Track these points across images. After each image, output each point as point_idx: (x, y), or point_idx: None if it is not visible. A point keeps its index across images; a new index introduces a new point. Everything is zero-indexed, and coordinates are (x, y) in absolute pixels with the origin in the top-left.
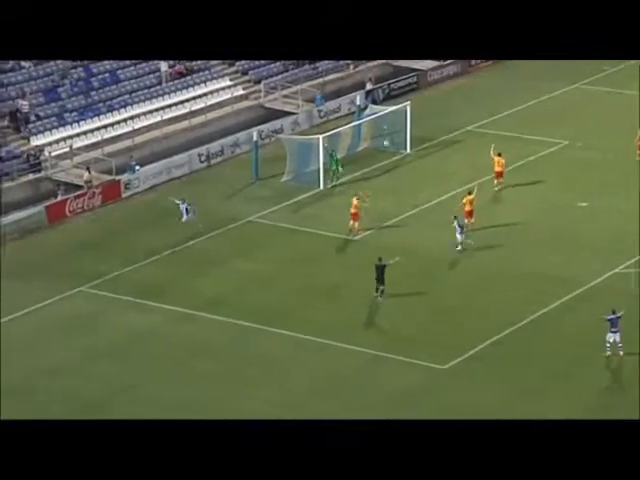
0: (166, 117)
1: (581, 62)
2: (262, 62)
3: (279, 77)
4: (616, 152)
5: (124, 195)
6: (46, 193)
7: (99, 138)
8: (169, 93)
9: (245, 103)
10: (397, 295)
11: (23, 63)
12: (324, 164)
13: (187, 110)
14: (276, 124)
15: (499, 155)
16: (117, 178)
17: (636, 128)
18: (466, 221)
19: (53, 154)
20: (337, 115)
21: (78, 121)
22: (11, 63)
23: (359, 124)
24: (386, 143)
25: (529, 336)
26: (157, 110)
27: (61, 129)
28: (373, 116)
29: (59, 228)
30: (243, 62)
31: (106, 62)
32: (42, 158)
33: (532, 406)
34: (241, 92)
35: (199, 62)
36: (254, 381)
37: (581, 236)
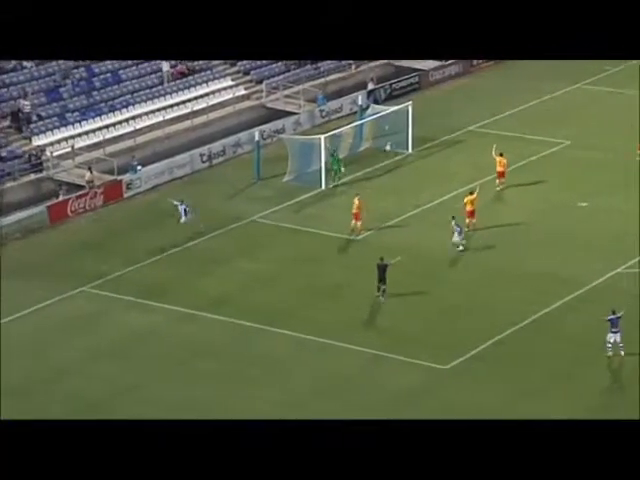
0: (168, 117)
1: (583, 62)
2: (264, 62)
3: (281, 77)
4: (618, 152)
5: (126, 195)
6: (48, 193)
7: (101, 138)
8: (171, 93)
9: (247, 103)
10: (399, 295)
11: (25, 63)
12: (326, 164)
13: (189, 110)
14: (278, 124)
15: (501, 155)
16: (119, 178)
17: (637, 128)
18: (467, 221)
19: (55, 154)
20: (339, 115)
21: (80, 121)
22: (13, 63)
23: (361, 124)
24: (388, 148)
25: (531, 336)
26: (159, 110)
27: (63, 129)
28: (375, 116)
29: (61, 228)
30: (245, 62)
31: (108, 62)
32: (44, 158)
33: (534, 406)
34: (243, 92)
35: (201, 62)
36: (256, 381)
37: (583, 236)
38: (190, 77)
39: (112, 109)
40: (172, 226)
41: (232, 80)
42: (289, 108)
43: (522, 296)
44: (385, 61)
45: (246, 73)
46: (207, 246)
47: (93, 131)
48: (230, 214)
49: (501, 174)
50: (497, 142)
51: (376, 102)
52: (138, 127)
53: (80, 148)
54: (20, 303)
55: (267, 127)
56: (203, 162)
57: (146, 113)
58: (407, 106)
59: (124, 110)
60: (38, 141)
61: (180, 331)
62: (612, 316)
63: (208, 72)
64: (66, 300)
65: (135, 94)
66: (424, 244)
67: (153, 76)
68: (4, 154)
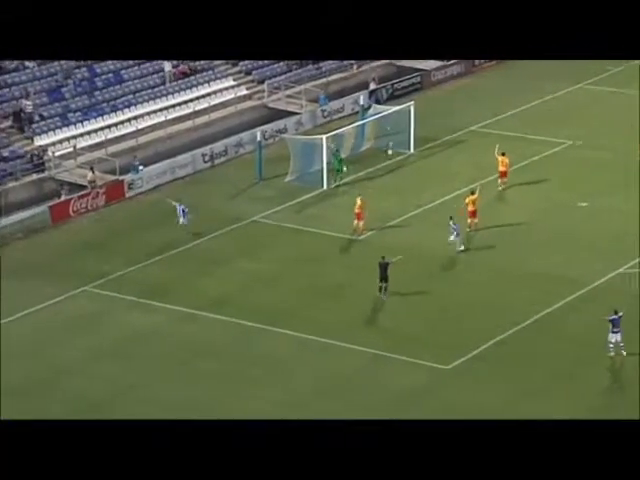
0: (170, 117)
1: (585, 62)
2: (266, 62)
3: (283, 77)
4: (620, 152)
5: (128, 195)
6: (50, 193)
7: (103, 138)
8: (173, 93)
9: (249, 103)
10: (401, 295)
11: (27, 63)
12: (328, 164)
13: (191, 110)
14: (280, 124)
15: (503, 155)
16: (121, 178)
17: (637, 128)
18: (469, 221)
19: (57, 154)
20: (341, 115)
21: (82, 121)
22: (15, 63)
23: (363, 124)
24: (390, 152)
25: (533, 336)
26: (161, 110)
27: (65, 129)
28: (377, 116)
29: (63, 228)
30: (247, 62)
31: (110, 62)
32: (46, 158)
33: (535, 406)
34: (245, 92)
35: (203, 62)
36: (257, 381)
37: (585, 236)
38: (192, 77)
39: (114, 109)
40: (174, 226)
41: (234, 80)
42: (291, 108)
43: (524, 296)
44: (387, 61)
45: (248, 73)
46: (209, 246)
47: (95, 131)
48: (232, 214)
49: (503, 174)
50: (499, 142)
51: (378, 102)
52: (140, 127)
53: (82, 148)
54: (22, 303)
55: (269, 127)
56: (205, 162)
57: (148, 113)
58: (409, 106)
59: (126, 110)
60: (40, 141)
61: (182, 331)
62: (614, 316)
63: (210, 72)
64: (68, 300)
65: (137, 94)
66: (426, 244)
67: (155, 76)
68: (6, 154)
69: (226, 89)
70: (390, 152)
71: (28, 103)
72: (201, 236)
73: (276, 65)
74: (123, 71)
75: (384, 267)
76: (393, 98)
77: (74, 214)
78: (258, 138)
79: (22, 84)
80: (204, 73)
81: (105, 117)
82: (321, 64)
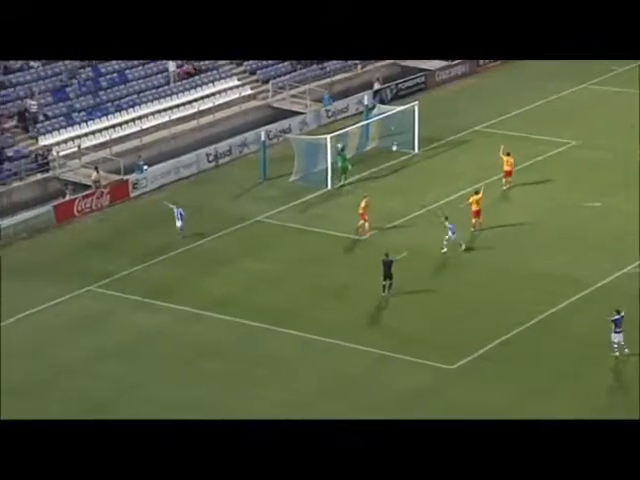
0: (174, 117)
1: (589, 62)
2: (270, 62)
3: (287, 77)
4: (625, 152)
5: (132, 195)
6: (54, 193)
7: (107, 138)
8: (177, 93)
9: (253, 103)
10: (405, 295)
11: (31, 63)
12: (332, 163)
13: (195, 110)
14: (284, 124)
15: (508, 155)
16: (125, 178)
17: (637, 128)
18: (474, 221)
19: (61, 154)
20: (345, 115)
21: (86, 121)
22: (19, 63)
23: (367, 124)
24: (395, 148)
25: (537, 336)
26: (165, 110)
27: (69, 129)
28: (381, 116)
29: (67, 228)
30: (251, 62)
31: (114, 62)
32: (50, 158)
33: (540, 406)
34: (249, 92)
35: (207, 62)
36: (262, 381)
37: (589, 236)
38: (196, 77)
39: (118, 109)
40: (176, 227)
41: (238, 80)
42: (295, 108)
43: (528, 296)
44: (391, 61)
45: (252, 73)
46: (213, 246)
47: (99, 131)
48: (236, 214)
49: (508, 173)
50: (503, 142)
51: (382, 102)
52: (144, 127)
53: (86, 148)
54: (26, 303)
55: (273, 127)
56: (209, 162)
57: (152, 113)
58: (413, 106)
59: (130, 110)
60: (45, 141)
61: (186, 331)
62: (617, 316)
63: (214, 72)
64: (73, 300)
65: (141, 94)
66: (430, 244)
67: (159, 76)
68: (11, 154)
69: (230, 89)
70: (395, 148)
71: (33, 103)
72: (205, 236)
73: (280, 65)
74: (127, 71)
75: (388, 265)
76: (397, 98)
77: (79, 214)
78: (262, 138)
79: (27, 84)
80: (208, 73)
81: (109, 117)
82: (325, 64)
